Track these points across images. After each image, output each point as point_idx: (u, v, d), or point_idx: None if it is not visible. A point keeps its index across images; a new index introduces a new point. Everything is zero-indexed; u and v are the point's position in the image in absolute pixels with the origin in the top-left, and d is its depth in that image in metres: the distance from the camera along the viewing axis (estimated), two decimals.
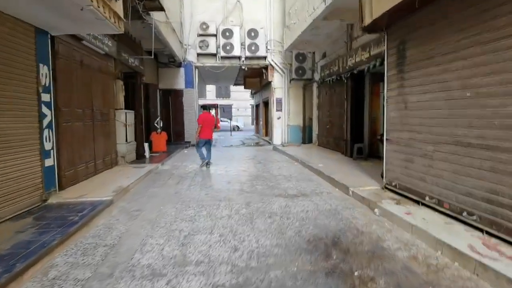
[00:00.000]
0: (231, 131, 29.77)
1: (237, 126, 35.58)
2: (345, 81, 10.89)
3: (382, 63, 8.33)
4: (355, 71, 10.04)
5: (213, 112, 34.85)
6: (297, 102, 16.80)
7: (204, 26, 16.11)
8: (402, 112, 5.52)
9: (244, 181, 7.61)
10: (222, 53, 16.13)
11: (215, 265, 3.43)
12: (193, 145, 16.84)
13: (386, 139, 5.99)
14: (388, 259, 3.55)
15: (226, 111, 36.71)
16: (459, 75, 4.18)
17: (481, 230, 3.87)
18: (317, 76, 14.50)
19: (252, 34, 16.17)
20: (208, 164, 9.92)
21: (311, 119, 16.04)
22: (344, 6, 8.57)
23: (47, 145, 5.51)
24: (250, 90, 27.65)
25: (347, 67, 10.50)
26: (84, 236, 4.20)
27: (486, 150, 3.81)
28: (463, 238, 3.72)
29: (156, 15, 9.75)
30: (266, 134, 20.68)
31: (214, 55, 16.48)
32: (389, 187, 5.90)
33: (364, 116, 10.69)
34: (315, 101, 15.12)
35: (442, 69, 4.50)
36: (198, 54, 16.50)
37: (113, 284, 3.09)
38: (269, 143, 17.62)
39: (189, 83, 16.82)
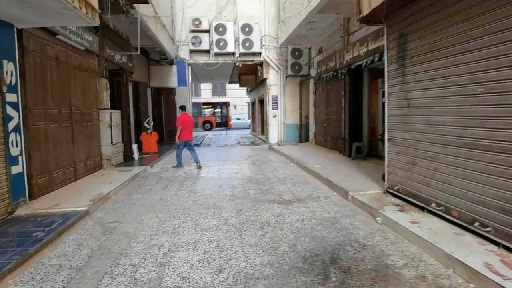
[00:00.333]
0: (226, 130, 29.22)
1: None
2: (343, 77, 10.41)
3: (381, 58, 7.88)
4: (352, 67, 9.56)
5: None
6: (293, 100, 16.31)
7: (197, 22, 15.57)
8: (404, 110, 5.05)
9: (236, 185, 7.12)
10: (216, 50, 15.61)
11: None
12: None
13: (388, 139, 5.52)
14: (393, 279, 3.08)
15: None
16: (470, 69, 3.71)
17: (496, 243, 3.41)
18: (313, 72, 14.01)
19: (246, 29, 15.65)
20: (199, 166, 9.55)
21: (307, 117, 15.56)
22: None
23: (14, 151, 4.99)
24: (246, 88, 27.14)
25: (344, 62, 10.01)
26: (48, 256, 3.70)
27: (502, 153, 3.33)
28: (478, 254, 3.25)
29: (142, 9, 9.22)
30: (262, 133, 20.19)
31: (207, 51, 15.96)
32: (391, 191, 5.44)
33: (363, 113, 10.21)
34: (311, 98, 14.64)
35: (449, 62, 4.03)
36: (191, 51, 15.97)
37: None
38: (265, 142, 17.14)
39: (182, 81, 16.26)
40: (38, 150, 5.88)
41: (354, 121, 10.22)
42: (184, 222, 4.78)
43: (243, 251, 3.74)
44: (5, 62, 4.79)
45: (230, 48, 15.65)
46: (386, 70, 5.53)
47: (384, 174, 5.90)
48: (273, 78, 16.27)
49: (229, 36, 15.58)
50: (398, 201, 5.12)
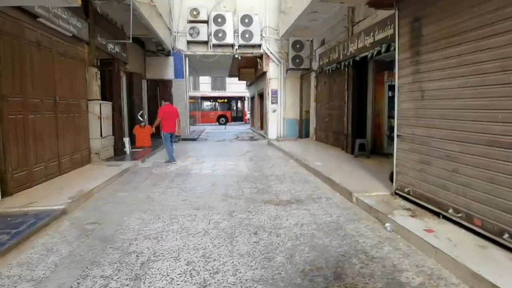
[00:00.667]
0: (225, 124, 28.68)
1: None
2: (346, 69, 9.88)
3: (388, 49, 7.35)
4: (357, 58, 9.02)
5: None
6: (293, 94, 15.76)
7: (195, 12, 14.98)
8: (417, 103, 4.53)
9: (231, 183, 6.62)
10: (214, 41, 15.04)
11: None
12: (184, 139, 15.90)
13: (398, 135, 5.00)
14: None
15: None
16: (500, 55, 3.18)
17: None
18: (315, 65, 13.46)
19: (246, 20, 15.06)
20: (169, 161, 9.12)
21: (308, 112, 15.03)
22: None
23: None
24: (245, 82, 26.57)
25: (348, 54, 9.47)
26: (8, 265, 3.20)
27: None
28: (510, 272, 2.74)
29: None
30: (261, 128, 19.66)
31: (205, 43, 15.39)
32: (400, 193, 4.93)
33: (367, 108, 9.68)
34: (312, 92, 14.10)
35: (472, 48, 3.50)
36: (188, 42, 15.40)
37: None
38: (264, 137, 16.62)
39: (178, 73, 15.72)
40: (15, 142, 5.38)
41: (357, 116, 9.70)
42: (170, 225, 4.28)
43: (232, 262, 3.24)
44: None
45: (229, 39, 15.09)
46: (397, 59, 5.00)
47: (392, 173, 5.39)
48: (273, 71, 15.72)
49: (228, 27, 15.01)
50: (409, 205, 4.62)
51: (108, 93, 9.34)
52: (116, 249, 3.59)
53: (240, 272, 3.04)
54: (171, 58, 15.44)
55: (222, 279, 2.92)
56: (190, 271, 3.07)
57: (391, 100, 9.12)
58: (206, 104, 32.83)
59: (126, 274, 3.03)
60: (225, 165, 8.79)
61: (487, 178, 3.33)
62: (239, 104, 34.55)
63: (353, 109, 9.69)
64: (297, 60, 14.34)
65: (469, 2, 3.53)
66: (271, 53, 15.46)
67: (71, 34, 7.10)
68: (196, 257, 3.35)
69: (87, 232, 4.10)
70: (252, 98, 24.83)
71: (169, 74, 15.57)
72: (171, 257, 3.36)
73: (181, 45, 15.46)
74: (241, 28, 15.01)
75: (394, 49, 7.07)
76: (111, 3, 8.70)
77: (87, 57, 8.16)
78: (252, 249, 3.53)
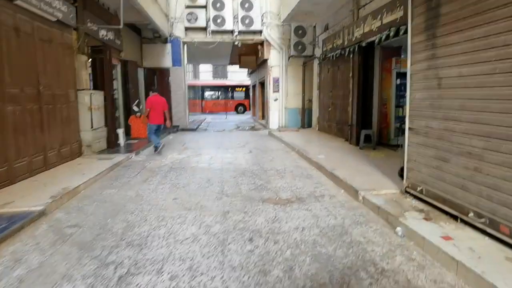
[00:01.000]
0: (226, 114, 28.19)
1: None
2: (351, 56, 9.34)
3: (397, 33, 6.82)
4: (363, 44, 8.49)
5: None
6: (296, 82, 15.23)
7: None
8: (433, 93, 4.05)
9: (227, 179, 6.19)
10: (213, 27, 14.47)
11: None
12: (182, 130, 15.47)
13: (409, 128, 4.53)
14: None
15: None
16: None
17: None
18: (318, 52, 12.89)
19: (246, 5, 14.44)
20: (157, 149, 8.84)
21: (311, 101, 14.50)
22: None
23: None
24: (246, 70, 25.95)
25: (353, 39, 8.93)
26: None
27: None
28: None
29: None
30: (263, 117, 19.17)
31: (204, 29, 14.83)
32: (411, 191, 4.49)
33: (373, 97, 9.16)
34: (315, 80, 13.55)
35: (502, 28, 3.01)
36: (186, 28, 14.83)
37: None
38: (265, 127, 16.15)
39: (176, 61, 15.17)
40: None
41: (362, 106, 9.20)
42: (156, 229, 3.86)
43: (222, 277, 2.82)
44: None
45: (229, 25, 14.52)
46: (409, 43, 4.49)
47: (401, 169, 4.95)
48: (274, 58, 15.15)
49: (228, 13, 14.42)
50: (422, 205, 4.18)
51: (100, 82, 8.87)
52: (94, 258, 3.18)
53: None
54: (168, 46, 14.87)
55: None
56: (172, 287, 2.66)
57: (399, 88, 8.61)
58: (225, 93, 32.44)
59: None
60: (223, 158, 8.35)
61: None
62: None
63: (358, 98, 9.18)
64: (300, 47, 13.75)
65: None
66: (272, 39, 14.88)
67: (55, 19, 6.59)
68: (182, 270, 2.93)
69: (65, 237, 3.69)
70: (254, 86, 24.26)
71: (167, 62, 15.02)
72: (154, 270, 2.95)
73: (178, 31, 14.90)
74: (241, 13, 14.42)
75: (404, 33, 6.62)
76: None
77: (76, 44, 7.66)
78: (246, 260, 3.10)
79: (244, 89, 31.74)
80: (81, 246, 3.45)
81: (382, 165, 6.33)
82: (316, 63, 13.33)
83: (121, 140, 9.64)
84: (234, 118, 24.70)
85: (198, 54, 18.98)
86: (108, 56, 8.83)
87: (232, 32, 14.80)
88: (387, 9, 7.26)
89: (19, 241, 3.58)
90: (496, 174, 3.10)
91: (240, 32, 14.80)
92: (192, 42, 15.15)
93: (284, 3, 12.64)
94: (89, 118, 7.95)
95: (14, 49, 5.47)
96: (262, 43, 15.24)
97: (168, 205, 4.70)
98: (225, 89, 32.08)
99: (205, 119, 23.36)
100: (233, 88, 32.32)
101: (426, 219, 3.77)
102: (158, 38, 14.76)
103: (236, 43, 15.24)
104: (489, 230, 3.17)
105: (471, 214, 3.39)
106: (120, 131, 9.68)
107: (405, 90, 8.61)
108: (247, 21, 14.47)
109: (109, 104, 8.97)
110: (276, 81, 15.28)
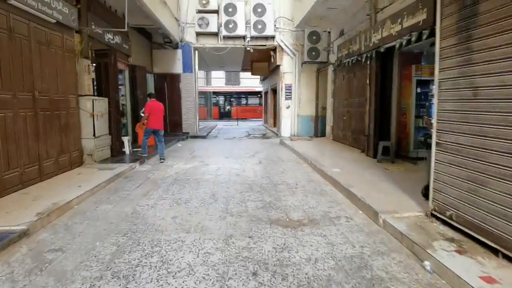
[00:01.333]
0: (237, 120, 27.81)
1: None
2: (368, 62, 8.80)
3: (420, 37, 6.27)
4: (381, 50, 7.94)
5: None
6: (309, 89, 14.71)
7: (204, 1, 14.08)
8: (466, 104, 3.50)
9: (233, 194, 5.71)
10: (225, 32, 14.11)
11: None
12: (192, 137, 15.11)
13: (437, 143, 3.98)
14: None
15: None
16: None
17: None
18: (333, 58, 12.37)
19: (259, 10, 14.05)
20: (162, 159, 8.88)
21: (324, 109, 13.95)
22: None
23: None
24: (259, 77, 25.56)
25: (371, 45, 8.39)
26: None
27: None
28: None
29: None
30: (274, 125, 18.70)
31: (215, 34, 14.49)
32: (438, 215, 3.93)
33: (391, 105, 8.59)
34: (330, 87, 13.01)
35: None
36: (197, 34, 14.52)
37: None
38: (277, 135, 15.66)
39: (187, 67, 14.86)
40: None
41: (380, 115, 8.63)
42: (148, 256, 3.40)
43: None
44: None
45: (241, 31, 14.13)
46: (437, 47, 3.96)
47: (426, 188, 4.41)
48: (287, 65, 14.69)
49: (240, 18, 14.04)
50: (451, 233, 3.62)
51: (104, 87, 8.55)
52: None
53: None
54: (179, 51, 14.59)
55: None
56: None
57: (419, 97, 8.04)
58: (254, 100, 32.33)
59: None
60: (231, 168, 7.89)
61: None
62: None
63: (376, 107, 8.62)
64: (313, 53, 13.24)
65: None
66: (285, 45, 14.44)
67: (55, 21, 6.28)
68: None
69: (44, 264, 3.26)
70: (266, 93, 23.83)
71: (177, 68, 14.74)
72: None
73: (189, 37, 14.60)
74: (254, 18, 14.03)
75: (428, 37, 6.08)
76: None
77: (78, 47, 7.36)
78: None
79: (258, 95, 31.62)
80: (59, 277, 3.00)
81: (402, 182, 5.76)
82: (330, 69, 12.81)
83: (127, 148, 9.28)
84: (246, 125, 24.27)
85: (209, 60, 18.69)
86: (112, 60, 8.49)
87: (244, 37, 14.42)
88: (408, 12, 6.72)
89: None
90: None
91: (252, 38, 14.40)
92: (203, 47, 14.83)
93: (297, 8, 12.21)
94: (91, 125, 7.61)
95: (6, 51, 5.14)
96: (274, 49, 14.82)
97: (166, 226, 4.23)
98: (255, 95, 32.01)
99: (216, 125, 23.01)
100: (247, 94, 32.27)
101: (459, 251, 3.21)
102: (168, 43, 14.49)
103: (248, 48, 14.84)
104: None
105: None
106: (126, 139, 9.33)
107: (426, 99, 8.17)
108: (259, 26, 14.07)
109: (113, 111, 8.63)
110: (289, 87, 14.80)
